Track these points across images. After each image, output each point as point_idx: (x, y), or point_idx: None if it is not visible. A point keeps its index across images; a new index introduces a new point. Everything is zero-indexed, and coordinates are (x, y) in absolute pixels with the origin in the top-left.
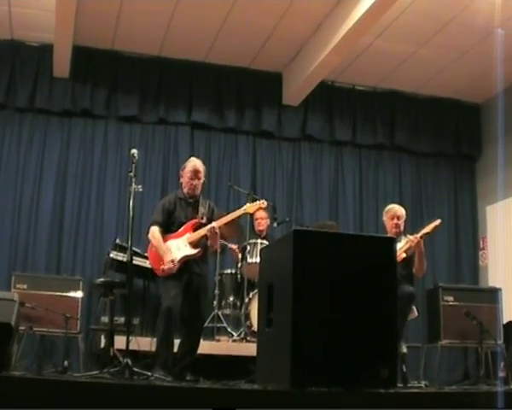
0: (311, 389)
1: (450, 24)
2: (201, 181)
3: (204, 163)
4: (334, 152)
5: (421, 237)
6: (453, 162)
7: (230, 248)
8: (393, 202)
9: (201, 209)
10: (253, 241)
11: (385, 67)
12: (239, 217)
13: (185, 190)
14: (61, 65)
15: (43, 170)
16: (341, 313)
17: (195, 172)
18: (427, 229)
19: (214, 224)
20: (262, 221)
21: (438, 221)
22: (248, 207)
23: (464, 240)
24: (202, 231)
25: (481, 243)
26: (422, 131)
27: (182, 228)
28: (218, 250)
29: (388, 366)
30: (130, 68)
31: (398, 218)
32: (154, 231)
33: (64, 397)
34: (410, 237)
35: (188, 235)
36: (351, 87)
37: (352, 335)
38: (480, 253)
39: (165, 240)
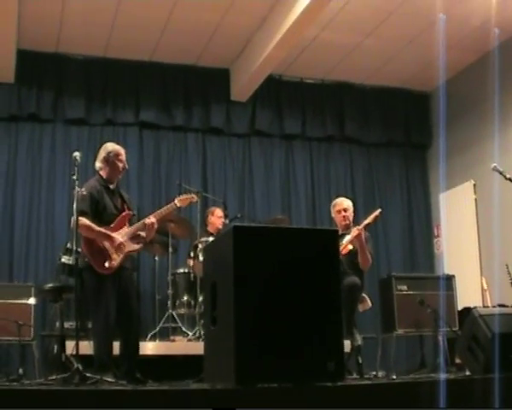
0: (257, 386)
1: (394, 13)
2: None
3: (154, 163)
4: (285, 146)
5: (363, 229)
6: (404, 151)
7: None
8: (346, 194)
9: (128, 200)
10: (205, 239)
11: (332, 59)
12: (171, 212)
13: (110, 176)
14: (6, 69)
15: None
16: (286, 308)
17: (121, 154)
18: (369, 219)
19: (153, 219)
20: (219, 220)
21: (378, 211)
22: (179, 201)
23: (419, 229)
24: (141, 226)
25: (435, 230)
26: (372, 122)
27: (116, 221)
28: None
29: (334, 358)
30: (76, 70)
31: (345, 210)
32: (85, 222)
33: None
34: (353, 229)
35: (126, 229)
36: (299, 80)
37: (297, 329)
38: (435, 241)
39: None
